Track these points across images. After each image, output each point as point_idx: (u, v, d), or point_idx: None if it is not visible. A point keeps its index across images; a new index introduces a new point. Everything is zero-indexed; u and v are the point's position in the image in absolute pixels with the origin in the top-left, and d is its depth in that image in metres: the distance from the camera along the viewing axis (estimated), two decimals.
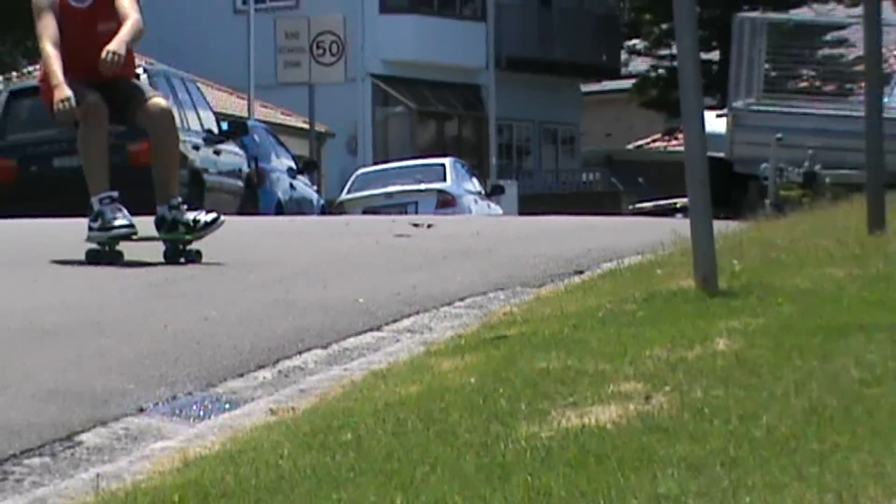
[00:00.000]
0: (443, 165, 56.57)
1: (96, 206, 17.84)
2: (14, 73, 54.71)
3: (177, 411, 10.30)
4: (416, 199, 49.81)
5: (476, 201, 54.38)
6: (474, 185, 56.69)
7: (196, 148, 40.23)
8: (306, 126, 66.23)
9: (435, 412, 9.22)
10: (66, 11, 18.17)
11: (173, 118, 18.43)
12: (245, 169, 43.07)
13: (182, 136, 39.52)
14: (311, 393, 10.54)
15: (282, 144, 53.74)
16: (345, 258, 19.87)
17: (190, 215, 17.89)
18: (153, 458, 8.80)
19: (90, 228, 18.07)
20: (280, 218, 38.87)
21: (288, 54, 65.28)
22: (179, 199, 17.96)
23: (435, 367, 11.07)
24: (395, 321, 13.62)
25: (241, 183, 42.22)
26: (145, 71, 41.94)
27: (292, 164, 51.16)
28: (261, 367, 11.66)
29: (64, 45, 18.05)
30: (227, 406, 10.39)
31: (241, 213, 39.71)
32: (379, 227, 27.40)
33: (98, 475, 8.41)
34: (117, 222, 17.66)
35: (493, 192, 59.06)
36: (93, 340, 12.99)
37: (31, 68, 55.36)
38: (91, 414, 10.00)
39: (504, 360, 11.01)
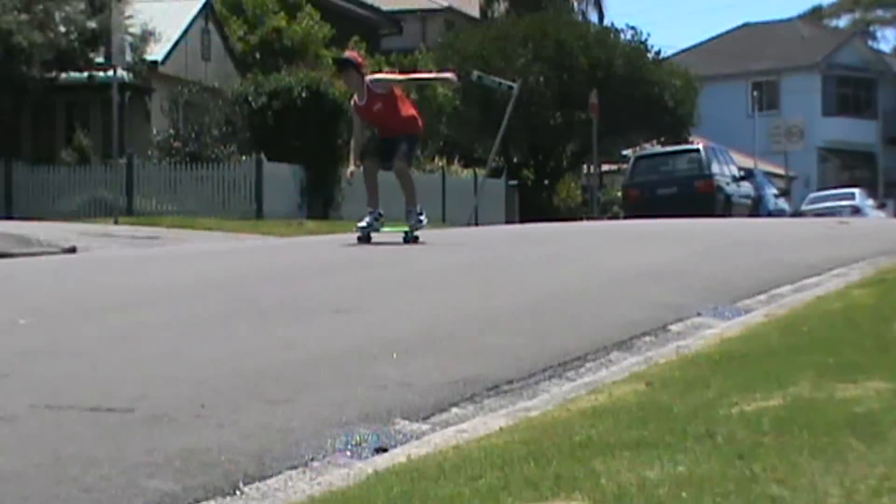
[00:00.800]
0: (853, 192, 55.60)
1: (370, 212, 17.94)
2: (637, 147, 54.04)
3: (717, 314, 10.23)
4: (840, 209, 48.84)
5: (871, 210, 53.29)
6: (870, 202, 55.63)
7: (727, 184, 40.06)
8: (783, 172, 65.21)
9: (850, 316, 9.09)
10: (358, 108, 17.99)
11: (405, 172, 18.05)
12: (752, 194, 42.62)
13: (719, 178, 39.69)
14: (785, 306, 10.42)
15: (770, 181, 53.11)
16: (801, 239, 19.53)
17: (413, 220, 17.90)
18: (705, 338, 8.77)
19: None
20: (769, 219, 38.12)
21: (774, 136, 64.57)
22: (412, 208, 17.92)
23: (850, 294, 10.91)
24: (828, 270, 13.38)
25: (750, 201, 41.79)
26: (704, 147, 42.19)
27: (775, 191, 50.51)
28: (758, 293, 11.53)
29: (367, 122, 18.30)
30: (741, 314, 10.31)
31: (750, 216, 39.29)
32: (819, 224, 26.90)
33: (678, 346, 8.40)
34: (360, 224, 17.98)
35: (881, 206, 58.03)
36: (678, 279, 12.91)
37: (647, 145, 54.71)
38: (675, 315, 9.95)
39: (887, 290, 10.82)
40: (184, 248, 22.52)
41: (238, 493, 5.10)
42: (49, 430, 5.96)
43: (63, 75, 41.24)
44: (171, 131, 41.65)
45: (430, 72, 18.19)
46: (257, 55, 48.38)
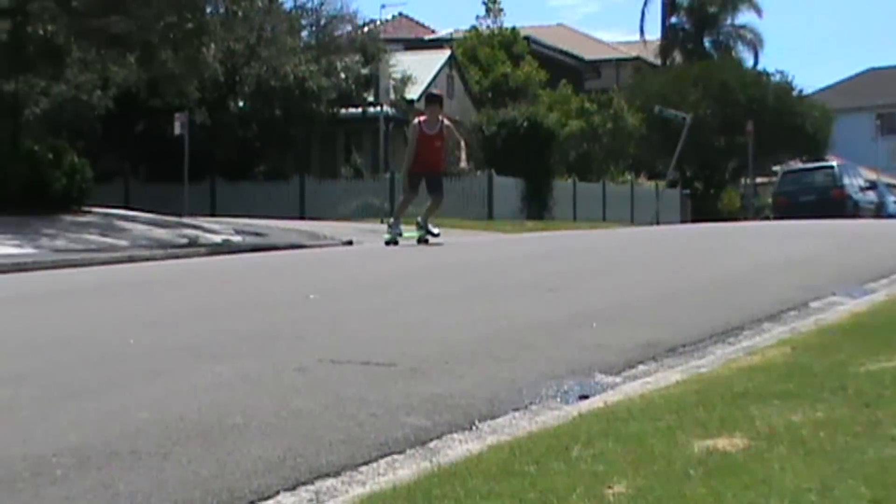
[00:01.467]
0: None
1: (392, 223, 17.77)
2: (784, 164, 53.14)
3: (848, 294, 9.82)
4: None
5: None
6: None
7: (856, 193, 38.98)
8: None
9: None
10: (422, 137, 16.98)
11: (439, 202, 17.65)
12: (875, 200, 41.27)
13: (849, 188, 38.50)
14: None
15: (891, 190, 51.44)
16: None
17: (433, 229, 17.47)
18: (838, 313, 8.52)
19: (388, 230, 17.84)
20: (889, 220, 36.90)
21: (894, 155, 62.39)
22: (427, 222, 17.49)
23: None
24: None
25: (873, 206, 40.48)
26: (837, 164, 41.08)
27: (895, 199, 49.00)
28: (881, 278, 11.14)
29: (420, 153, 17.08)
30: (868, 294, 9.95)
31: (873, 217, 38.12)
32: None
33: (816, 319, 8.19)
34: (391, 233, 17.54)
35: None
36: (817, 266, 12.46)
37: (791, 162, 53.69)
38: (814, 294, 9.57)
39: None
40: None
41: (474, 428, 5.12)
42: (332, 379, 6.05)
43: (343, 111, 42.02)
44: None
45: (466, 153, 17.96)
46: (489, 94, 48.86)
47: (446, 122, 17.56)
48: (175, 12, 25.40)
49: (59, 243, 19.39)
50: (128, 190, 40.68)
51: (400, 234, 17.53)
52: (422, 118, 17.60)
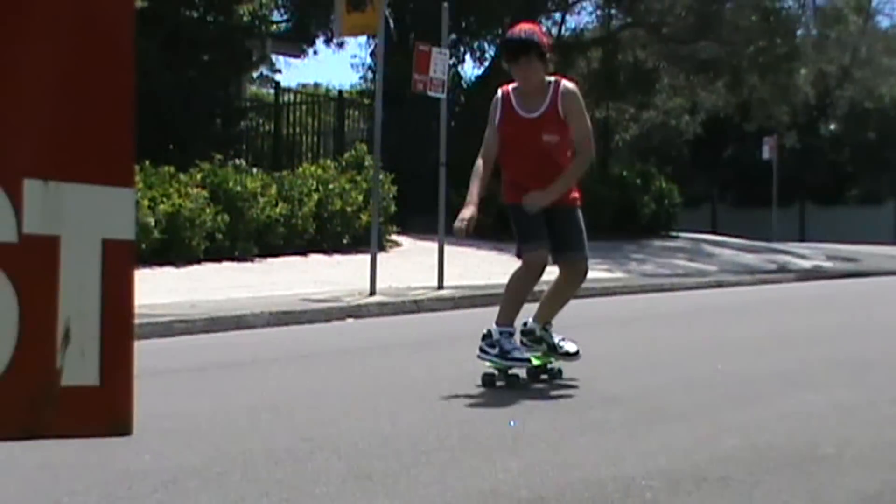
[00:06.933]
0: None
1: (495, 335, 7.52)
2: None
3: None
4: None
5: None
6: None
7: None
8: None
9: None
10: (513, 119, 7.53)
11: (582, 275, 7.63)
12: None
13: None
14: None
15: None
16: None
17: (556, 339, 7.73)
18: None
19: (484, 351, 7.53)
20: None
21: None
22: (551, 325, 7.70)
23: None
24: None
25: None
26: None
27: None
28: None
29: (509, 151, 7.60)
30: None
31: None
32: None
33: None
34: (514, 354, 7.37)
35: None
36: None
37: None
38: None
39: None
40: None
41: None
42: None
43: None
44: None
45: None
46: None
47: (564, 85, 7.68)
48: (766, 37, 25.48)
49: (648, 268, 19.87)
50: (715, 214, 41.08)
51: (513, 364, 7.72)
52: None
